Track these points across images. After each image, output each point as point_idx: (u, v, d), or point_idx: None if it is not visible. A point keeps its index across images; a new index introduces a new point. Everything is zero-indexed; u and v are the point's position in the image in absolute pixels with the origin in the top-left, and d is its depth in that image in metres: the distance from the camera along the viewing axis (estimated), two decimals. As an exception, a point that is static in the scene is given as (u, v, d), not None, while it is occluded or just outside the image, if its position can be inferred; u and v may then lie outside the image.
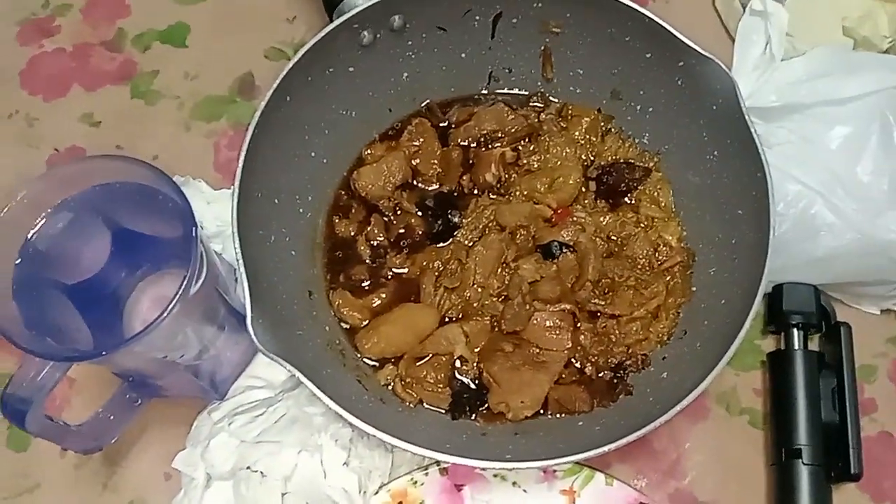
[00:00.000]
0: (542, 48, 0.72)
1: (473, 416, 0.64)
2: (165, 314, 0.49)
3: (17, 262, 0.52)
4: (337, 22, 0.64)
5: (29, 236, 0.53)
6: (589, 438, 0.60)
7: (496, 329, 0.66)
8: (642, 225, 0.70)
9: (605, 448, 0.54)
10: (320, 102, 0.68)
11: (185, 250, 0.54)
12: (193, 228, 0.51)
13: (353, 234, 0.70)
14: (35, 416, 0.51)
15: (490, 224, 0.70)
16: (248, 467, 0.58)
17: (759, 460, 0.67)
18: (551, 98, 0.75)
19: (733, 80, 0.62)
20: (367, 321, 0.67)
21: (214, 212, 0.72)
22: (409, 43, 0.70)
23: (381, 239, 0.70)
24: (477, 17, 0.70)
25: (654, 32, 0.65)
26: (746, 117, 0.61)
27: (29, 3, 0.84)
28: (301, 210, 0.69)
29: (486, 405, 0.64)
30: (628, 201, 0.71)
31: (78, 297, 0.57)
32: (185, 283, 0.50)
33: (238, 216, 0.58)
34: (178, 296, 0.50)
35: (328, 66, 0.66)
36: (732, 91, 0.62)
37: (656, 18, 0.64)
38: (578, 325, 0.66)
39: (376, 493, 0.61)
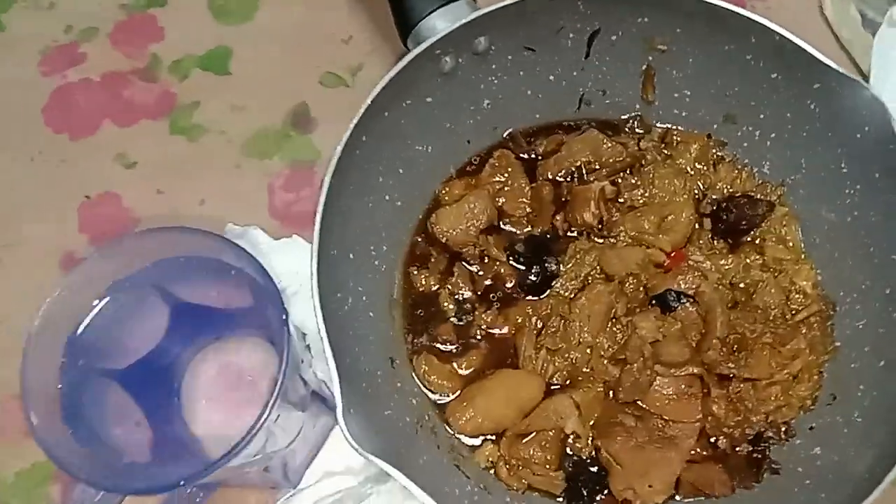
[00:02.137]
0: (645, 67, 0.63)
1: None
2: (257, 428, 0.40)
3: (63, 360, 0.43)
4: (420, 48, 0.54)
5: (77, 331, 0.43)
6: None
7: (611, 398, 0.57)
8: (770, 269, 0.61)
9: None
10: (395, 139, 0.59)
11: (260, 319, 0.46)
12: (285, 317, 0.42)
13: (434, 287, 0.61)
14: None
15: (594, 272, 0.61)
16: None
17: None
18: (653, 123, 0.66)
19: (885, 107, 0.53)
20: (459, 391, 0.58)
21: (273, 265, 0.62)
22: (493, 67, 0.61)
23: (467, 292, 0.61)
24: (571, 35, 0.61)
25: (785, 51, 0.56)
26: (904, 147, 0.52)
27: (50, 28, 0.74)
28: (376, 263, 0.60)
29: (607, 490, 0.55)
30: (750, 241, 0.62)
31: (130, 380, 0.48)
32: (279, 385, 0.41)
33: (319, 285, 0.49)
34: (273, 401, 0.40)
35: (406, 98, 0.57)
36: (884, 118, 0.53)
37: (790, 36, 0.55)
38: (707, 391, 0.57)
39: None
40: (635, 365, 0.56)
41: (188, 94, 0.71)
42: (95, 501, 0.41)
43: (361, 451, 0.45)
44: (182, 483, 0.40)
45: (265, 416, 0.41)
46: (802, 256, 0.61)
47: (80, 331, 0.44)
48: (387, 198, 0.60)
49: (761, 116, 0.62)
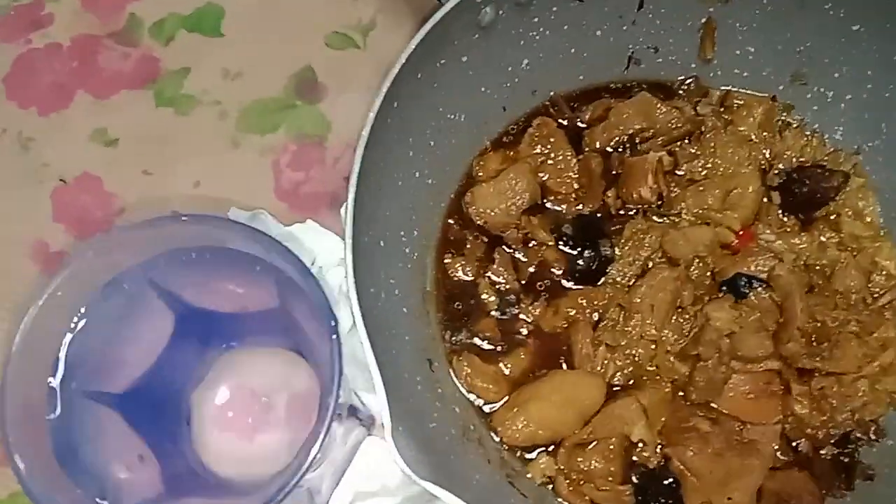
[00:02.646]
0: (705, 21, 0.55)
1: (666, 520, 0.48)
2: (307, 464, 0.32)
3: (50, 385, 0.34)
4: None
5: (64, 345, 0.35)
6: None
7: (679, 398, 0.50)
8: (848, 248, 0.54)
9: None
10: (428, 106, 0.51)
11: (282, 322, 0.38)
12: (334, 323, 0.34)
13: (472, 276, 0.54)
14: None
15: (654, 256, 0.53)
16: None
17: None
18: (712, 85, 0.58)
19: None
20: (507, 396, 0.51)
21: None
22: (535, 20, 0.53)
23: (510, 281, 0.54)
24: (623, -18, 0.53)
25: (874, -2, 0.48)
26: None
27: (8, -14, 0.64)
28: (407, 250, 0.52)
29: (682, 504, 0.48)
30: (824, 216, 0.55)
31: (130, 407, 0.40)
32: (331, 411, 0.33)
33: (356, 283, 0.41)
34: (324, 432, 0.33)
35: (440, 57, 0.49)
36: None
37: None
38: (787, 388, 0.50)
39: None
40: (710, 361, 0.49)
41: (174, 59, 0.62)
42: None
43: (415, 477, 0.38)
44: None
45: (313, 453, 0.33)
46: (882, 233, 0.55)
47: (68, 347, 0.35)
48: (417, 175, 0.52)
49: (836, 75, 0.55)
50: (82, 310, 0.36)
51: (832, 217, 0.55)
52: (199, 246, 0.37)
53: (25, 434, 0.34)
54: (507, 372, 0.52)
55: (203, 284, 0.41)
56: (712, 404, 0.50)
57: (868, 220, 0.55)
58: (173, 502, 0.39)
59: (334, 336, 0.34)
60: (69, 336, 0.36)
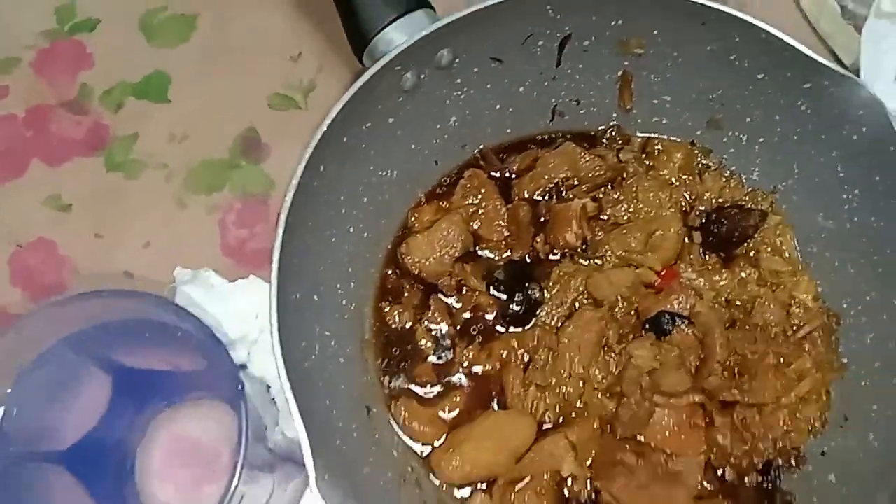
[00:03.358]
0: (621, 73, 0.59)
1: (597, 553, 0.50)
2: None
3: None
4: (378, 66, 0.49)
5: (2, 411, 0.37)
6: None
7: (608, 433, 0.53)
8: (767, 283, 0.57)
9: None
10: (357, 166, 0.54)
11: (214, 380, 0.41)
12: (241, 388, 0.36)
13: (409, 324, 0.56)
14: None
15: (581, 298, 0.56)
16: None
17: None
18: (633, 132, 0.61)
19: (883, 106, 0.49)
20: (443, 437, 0.53)
21: (230, 311, 0.56)
22: (458, 81, 0.56)
23: (446, 327, 0.56)
24: (540, 43, 0.56)
25: (772, 49, 0.52)
26: (906, 149, 0.49)
27: (-35, 61, 0.68)
28: (344, 302, 0.54)
29: (612, 537, 0.50)
30: (744, 254, 0.58)
31: (75, 462, 0.42)
32: (239, 466, 0.35)
33: (281, 340, 0.43)
34: (235, 485, 0.35)
35: (366, 120, 0.52)
36: (883, 118, 0.50)
37: (777, 33, 0.51)
38: (710, 420, 0.52)
39: None
40: (633, 398, 0.51)
41: (123, 125, 0.65)
42: None
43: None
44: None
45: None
46: (801, 267, 0.58)
47: (3, 412, 0.37)
48: (351, 229, 0.55)
49: (748, 120, 0.58)
50: (17, 377, 0.38)
51: (752, 254, 0.58)
52: (123, 318, 0.40)
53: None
54: (444, 415, 0.54)
55: (137, 349, 0.43)
56: (639, 437, 0.52)
57: (786, 255, 0.58)
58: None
59: (241, 400, 0.36)
60: (4, 403, 0.38)
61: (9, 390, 0.38)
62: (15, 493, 0.38)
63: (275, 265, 0.44)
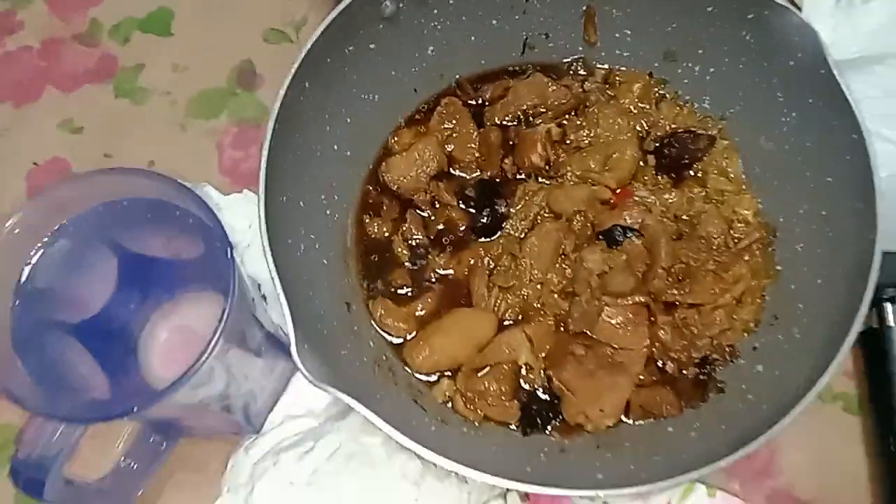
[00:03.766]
0: (585, 8, 0.64)
1: (548, 430, 0.56)
2: (206, 356, 0.41)
3: (14, 305, 0.43)
4: (358, -10, 0.55)
5: (24, 274, 0.44)
6: (686, 447, 0.53)
7: (562, 330, 0.59)
8: (713, 200, 0.62)
9: (717, 465, 0.47)
10: (341, 87, 0.59)
11: (211, 270, 0.46)
12: (229, 250, 0.42)
13: (387, 234, 0.62)
14: (55, 483, 0.42)
15: (542, 212, 0.62)
16: (304, 516, 0.50)
17: (858, 449, 0.61)
18: (595, 64, 0.67)
19: (816, 32, 0.54)
20: (415, 332, 0.59)
21: (226, 220, 0.62)
22: (435, 12, 0.62)
23: (420, 237, 0.62)
24: (511, -23, 0.62)
25: (718, -19, 0.57)
26: (835, 72, 0.54)
27: (-16, -3, 0.74)
28: (328, 212, 0.60)
29: (561, 416, 0.56)
30: (693, 174, 0.64)
31: (86, 336, 0.48)
32: (225, 314, 0.41)
33: (267, 227, 0.49)
34: (219, 331, 0.41)
35: (348, 44, 0.58)
36: (815, 43, 0.54)
37: (722, -35, 0.56)
38: (654, 318, 0.58)
39: (452, 530, 0.53)
40: (583, 297, 0.57)
41: (130, 57, 0.71)
42: (53, 441, 0.41)
43: (315, 381, 0.46)
44: (135, 409, 0.41)
45: (213, 342, 0.41)
46: (743, 187, 0.63)
47: (28, 273, 0.44)
48: (336, 147, 0.61)
49: (700, 52, 0.63)
50: (35, 250, 0.44)
51: (700, 175, 0.63)
52: (131, 197, 0.46)
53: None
54: (416, 313, 0.60)
55: (141, 232, 0.49)
56: (590, 333, 0.58)
57: (732, 176, 0.63)
58: (121, 405, 0.46)
59: (229, 256, 0.42)
60: (27, 269, 0.44)
61: (32, 256, 0.44)
62: (37, 355, 0.44)
63: (263, 163, 0.50)
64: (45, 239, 0.44)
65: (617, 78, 0.66)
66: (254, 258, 0.61)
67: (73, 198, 0.44)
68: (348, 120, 0.61)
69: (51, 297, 0.46)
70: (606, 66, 0.67)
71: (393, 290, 0.61)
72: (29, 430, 0.42)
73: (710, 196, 0.63)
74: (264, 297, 0.58)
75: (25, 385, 0.41)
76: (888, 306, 0.61)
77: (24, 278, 0.43)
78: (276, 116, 0.52)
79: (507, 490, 0.56)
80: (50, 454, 0.42)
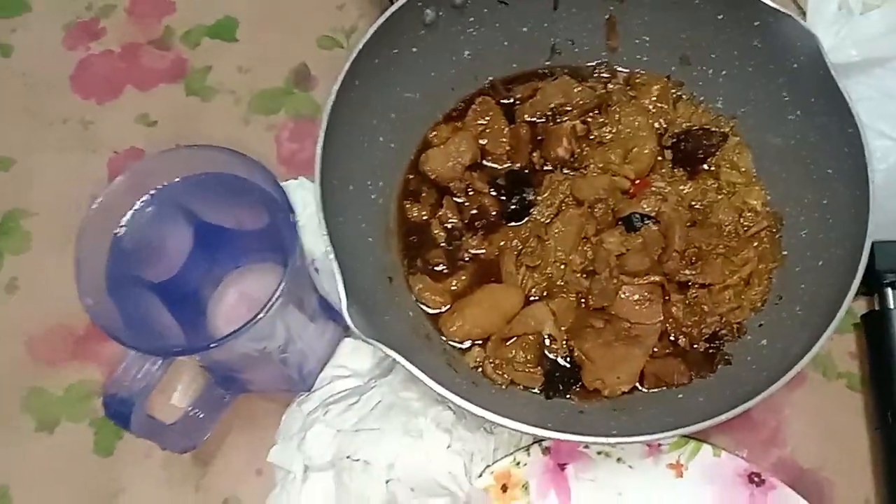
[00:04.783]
0: (607, 17, 0.70)
1: (568, 394, 0.62)
2: (269, 307, 0.48)
3: (109, 260, 0.50)
4: (402, 1, 0.62)
5: (116, 233, 0.51)
6: (693, 410, 0.58)
7: (583, 306, 0.64)
8: (724, 191, 0.68)
9: (718, 419, 0.52)
10: (386, 85, 0.66)
11: (274, 241, 0.53)
12: (292, 216, 0.50)
13: (425, 217, 0.69)
14: (138, 416, 0.50)
15: (566, 199, 0.68)
16: (349, 457, 0.56)
17: (860, 423, 0.66)
18: (617, 68, 0.73)
19: (816, 37, 0.60)
20: (450, 305, 0.66)
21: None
22: (471, 19, 0.69)
23: (455, 221, 0.68)
24: (539, -12, 0.68)
25: (727, -8, 0.63)
26: (833, 73, 0.59)
27: (72, 7, 0.83)
28: (373, 196, 0.67)
29: (581, 383, 0.62)
30: (707, 168, 0.69)
31: (165, 294, 0.56)
32: (288, 270, 0.48)
33: (323, 207, 0.56)
34: (282, 283, 0.48)
35: (392, 47, 0.65)
36: (815, 48, 0.60)
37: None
38: (668, 296, 0.64)
39: (480, 475, 0.59)
40: (603, 275, 0.63)
41: (200, 59, 0.79)
42: (137, 377, 0.48)
43: (363, 336, 0.52)
44: (209, 345, 0.48)
45: (276, 294, 0.48)
46: (753, 179, 0.68)
47: (119, 233, 0.51)
48: (381, 139, 0.68)
49: (712, 56, 0.69)
50: (127, 215, 0.52)
51: (713, 169, 0.69)
52: (205, 172, 0.53)
53: (91, 285, 0.49)
54: (451, 288, 0.66)
55: (212, 203, 0.56)
56: (608, 309, 0.64)
57: (742, 169, 0.68)
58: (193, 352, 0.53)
59: (293, 220, 0.49)
60: (120, 226, 0.51)
61: (123, 222, 0.52)
62: (127, 305, 0.52)
63: (319, 147, 0.57)
64: (136, 206, 0.52)
65: (637, 80, 0.72)
66: (308, 237, 0.68)
67: (158, 170, 0.52)
68: (392, 115, 0.68)
69: (137, 257, 0.53)
70: (628, 70, 0.73)
71: (430, 267, 0.67)
72: (117, 371, 0.49)
73: (723, 187, 0.68)
74: (316, 270, 0.65)
75: (120, 326, 0.48)
76: (889, 291, 0.66)
77: (116, 236, 0.51)
78: (329, 110, 0.59)
79: (530, 444, 0.62)
80: (135, 389, 0.49)
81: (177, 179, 0.53)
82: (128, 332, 0.47)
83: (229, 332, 0.49)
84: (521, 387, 0.62)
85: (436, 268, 0.67)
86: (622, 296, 0.64)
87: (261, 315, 0.48)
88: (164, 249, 0.56)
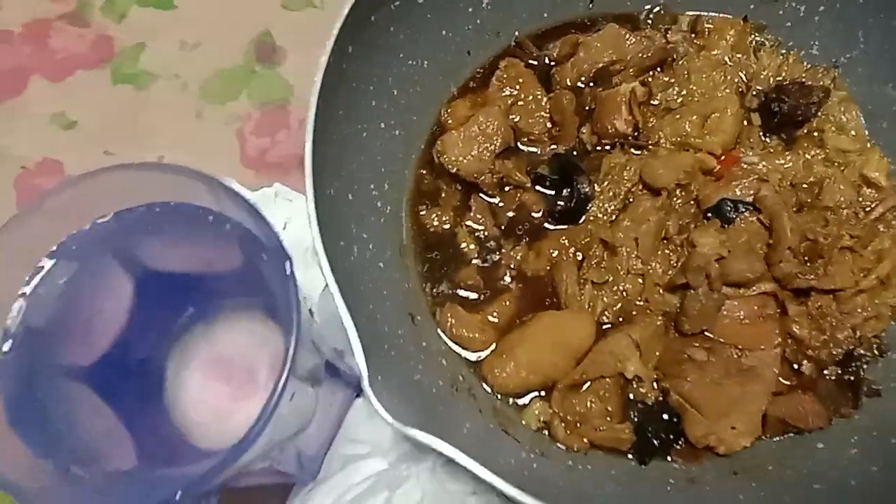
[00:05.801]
0: (665, -58, 0.54)
1: (670, 456, 0.46)
2: (264, 419, 0.31)
3: (6, 350, 0.33)
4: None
5: (14, 311, 0.33)
6: (848, 468, 0.43)
7: (673, 331, 0.49)
8: (834, 163, 0.53)
9: None
10: (386, 51, 0.50)
11: (252, 284, 0.36)
12: (288, 264, 0.32)
13: (448, 226, 0.53)
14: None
15: (635, 188, 0.52)
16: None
17: None
18: (679, 11, 0.57)
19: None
20: (493, 344, 0.49)
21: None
22: (492, -44, 0.51)
23: (489, 227, 0.52)
24: (577, -90, 0.51)
25: None
26: None
27: (-47, -22, 0.63)
28: (379, 204, 0.51)
29: (684, 438, 0.47)
30: (807, 133, 0.54)
31: (99, 380, 0.38)
32: (290, 353, 0.31)
33: (321, 228, 0.39)
34: (284, 372, 0.31)
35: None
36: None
37: None
38: (784, 310, 0.49)
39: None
40: (700, 289, 0.47)
41: (129, 36, 0.62)
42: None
43: (398, 425, 0.36)
44: (178, 496, 0.31)
45: (274, 400, 0.31)
46: (868, 144, 0.54)
47: (17, 314, 0.34)
48: (383, 125, 0.51)
49: (805, -14, 0.53)
50: (28, 278, 0.34)
51: (815, 134, 0.54)
52: (150, 202, 0.36)
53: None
54: (492, 320, 0.50)
55: (163, 245, 0.39)
56: (707, 333, 0.49)
57: (853, 133, 0.54)
58: (149, 473, 0.37)
59: (290, 281, 0.33)
60: (19, 303, 0.34)
61: (25, 286, 0.34)
62: (36, 419, 0.34)
63: (308, 149, 0.40)
64: (41, 263, 0.34)
65: (706, 25, 0.57)
66: (295, 266, 0.51)
67: (73, 207, 0.34)
68: (394, 91, 0.51)
69: (51, 337, 0.36)
70: (692, 13, 0.57)
71: (462, 293, 0.51)
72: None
73: (831, 158, 0.53)
74: (311, 314, 0.48)
75: (22, 465, 0.30)
76: None
77: (13, 318, 0.33)
78: (318, 90, 0.41)
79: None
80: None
81: (106, 218, 0.35)
82: (36, 475, 0.30)
83: (212, 447, 0.32)
84: (606, 451, 0.46)
85: (469, 293, 0.51)
86: (725, 314, 0.48)
87: (258, 425, 0.30)
88: (94, 316, 0.38)
